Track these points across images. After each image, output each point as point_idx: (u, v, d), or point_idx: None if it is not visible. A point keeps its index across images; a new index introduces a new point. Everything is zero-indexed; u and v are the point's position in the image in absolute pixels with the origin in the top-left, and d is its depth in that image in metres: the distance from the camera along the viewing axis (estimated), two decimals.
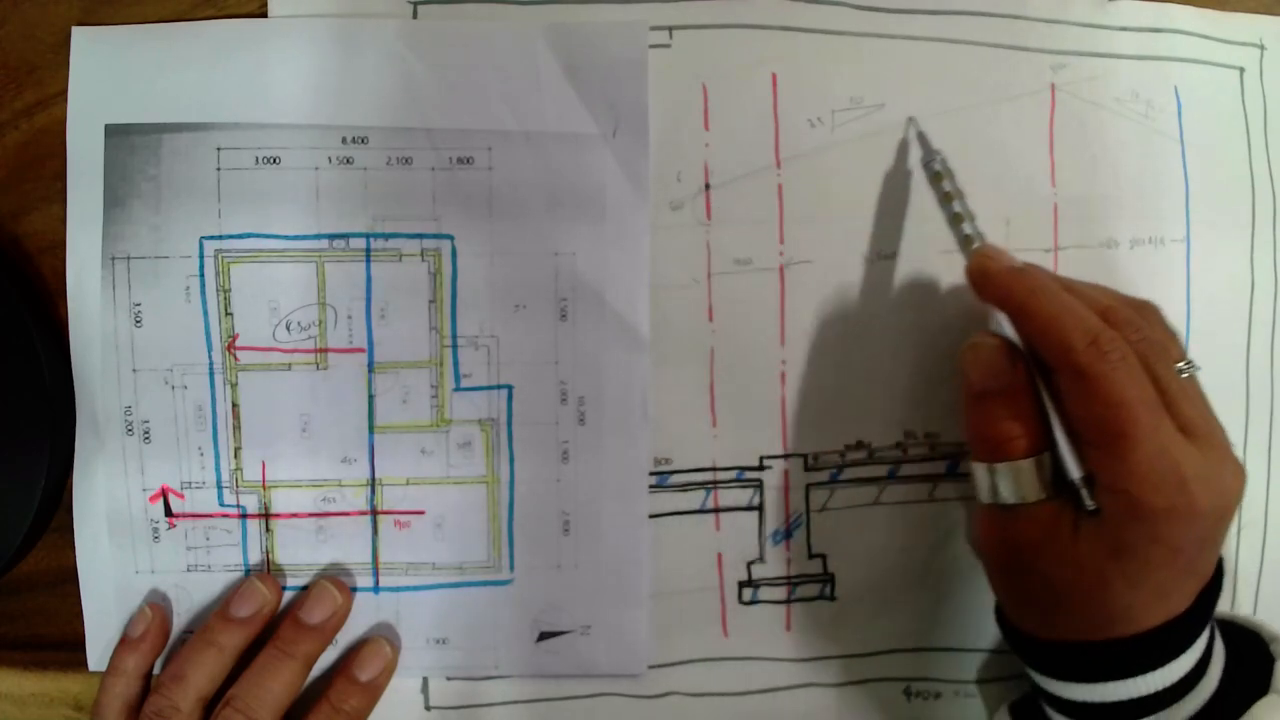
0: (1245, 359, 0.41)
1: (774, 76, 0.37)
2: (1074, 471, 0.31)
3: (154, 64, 0.35)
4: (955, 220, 0.35)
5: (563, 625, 0.38)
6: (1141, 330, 0.31)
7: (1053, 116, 0.39)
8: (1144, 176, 0.40)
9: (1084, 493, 0.31)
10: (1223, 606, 0.37)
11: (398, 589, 0.37)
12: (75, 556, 0.37)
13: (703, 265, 0.37)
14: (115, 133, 0.35)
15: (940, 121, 0.38)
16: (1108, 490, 0.30)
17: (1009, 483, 0.32)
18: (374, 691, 0.37)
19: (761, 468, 0.38)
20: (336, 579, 0.37)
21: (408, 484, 0.37)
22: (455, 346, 0.37)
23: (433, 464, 0.37)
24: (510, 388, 0.37)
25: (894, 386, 0.38)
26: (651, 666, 0.38)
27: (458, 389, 0.37)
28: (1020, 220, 0.39)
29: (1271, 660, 0.33)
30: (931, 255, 0.38)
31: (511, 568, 0.37)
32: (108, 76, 0.35)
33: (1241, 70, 0.41)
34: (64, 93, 0.36)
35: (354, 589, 0.37)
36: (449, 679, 0.38)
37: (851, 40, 0.37)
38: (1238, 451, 0.32)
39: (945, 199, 0.35)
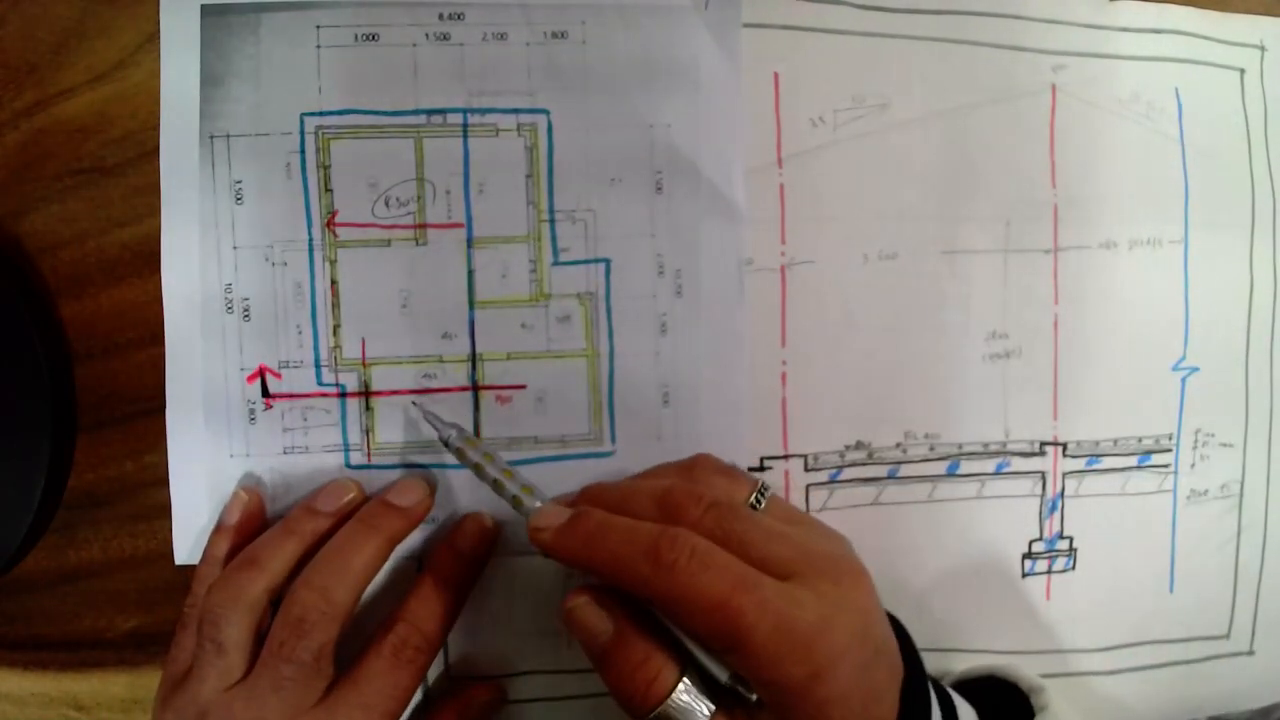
0: (1245, 359, 0.42)
1: (776, 75, 0.38)
2: (721, 677, 0.29)
3: None
4: (498, 486, 0.33)
5: None
6: (703, 498, 0.30)
7: (1053, 117, 0.39)
8: (1143, 177, 0.40)
9: (740, 690, 0.29)
10: (1223, 604, 0.38)
11: None
12: (77, 554, 0.37)
13: None
14: (211, 12, 0.36)
15: (940, 121, 0.38)
16: (754, 681, 0.28)
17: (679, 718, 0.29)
18: (474, 564, 0.36)
19: (762, 468, 0.38)
20: (428, 475, 0.37)
21: (508, 359, 0.37)
22: (553, 221, 0.37)
23: (533, 338, 0.37)
24: (608, 261, 0.37)
25: (894, 386, 0.39)
26: None
27: (556, 263, 0.37)
28: (1020, 221, 0.39)
29: (1032, 714, 0.33)
30: (931, 255, 0.39)
31: (613, 440, 0.37)
32: None
33: (1242, 71, 0.41)
34: (64, 92, 0.36)
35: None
36: (450, 679, 0.38)
37: (853, 40, 0.38)
38: (839, 542, 0.32)
39: (477, 469, 0.34)
